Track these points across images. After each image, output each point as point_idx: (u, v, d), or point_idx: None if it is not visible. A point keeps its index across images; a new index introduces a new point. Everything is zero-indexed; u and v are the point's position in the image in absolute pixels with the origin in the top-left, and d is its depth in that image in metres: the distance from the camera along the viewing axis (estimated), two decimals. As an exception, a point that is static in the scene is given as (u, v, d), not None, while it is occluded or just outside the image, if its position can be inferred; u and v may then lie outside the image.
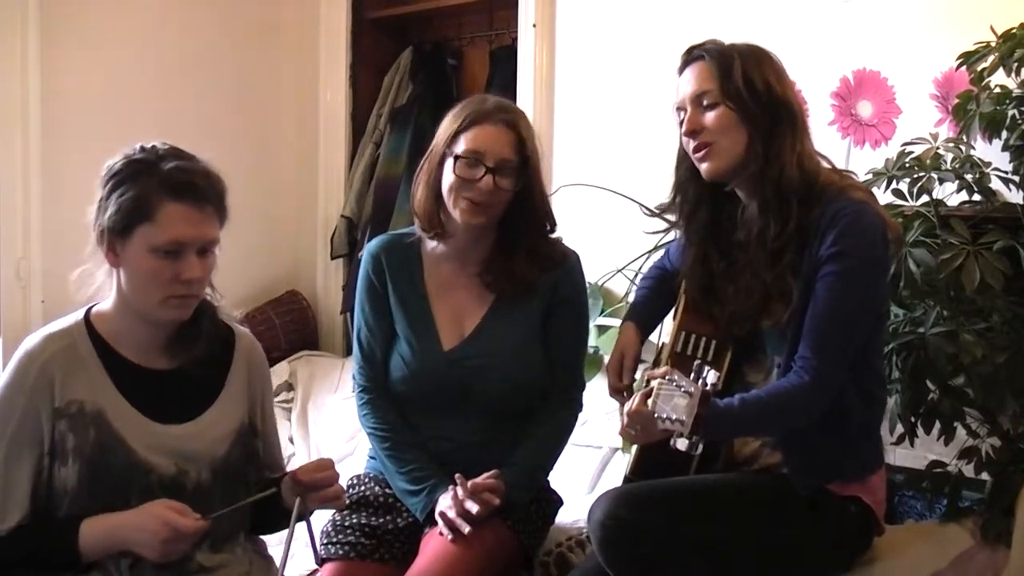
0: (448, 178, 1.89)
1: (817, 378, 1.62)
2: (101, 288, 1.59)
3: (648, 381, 1.96)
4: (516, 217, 1.94)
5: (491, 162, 1.87)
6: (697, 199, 1.80)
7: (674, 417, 1.47)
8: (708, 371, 1.51)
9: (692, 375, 1.51)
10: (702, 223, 1.81)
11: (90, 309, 1.61)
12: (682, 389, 1.48)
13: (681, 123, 1.73)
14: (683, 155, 1.78)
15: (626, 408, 1.60)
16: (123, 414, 1.55)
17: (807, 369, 1.62)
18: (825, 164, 1.76)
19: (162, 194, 1.49)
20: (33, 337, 1.56)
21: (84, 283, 1.59)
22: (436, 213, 1.94)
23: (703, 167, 1.72)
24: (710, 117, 1.69)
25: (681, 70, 1.75)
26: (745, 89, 1.66)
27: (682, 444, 1.48)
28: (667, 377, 1.51)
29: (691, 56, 1.74)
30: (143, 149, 1.55)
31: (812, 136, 1.75)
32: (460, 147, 1.88)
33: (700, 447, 1.50)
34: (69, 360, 1.54)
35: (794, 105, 1.70)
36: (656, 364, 2.03)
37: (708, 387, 1.49)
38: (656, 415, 1.49)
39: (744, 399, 1.61)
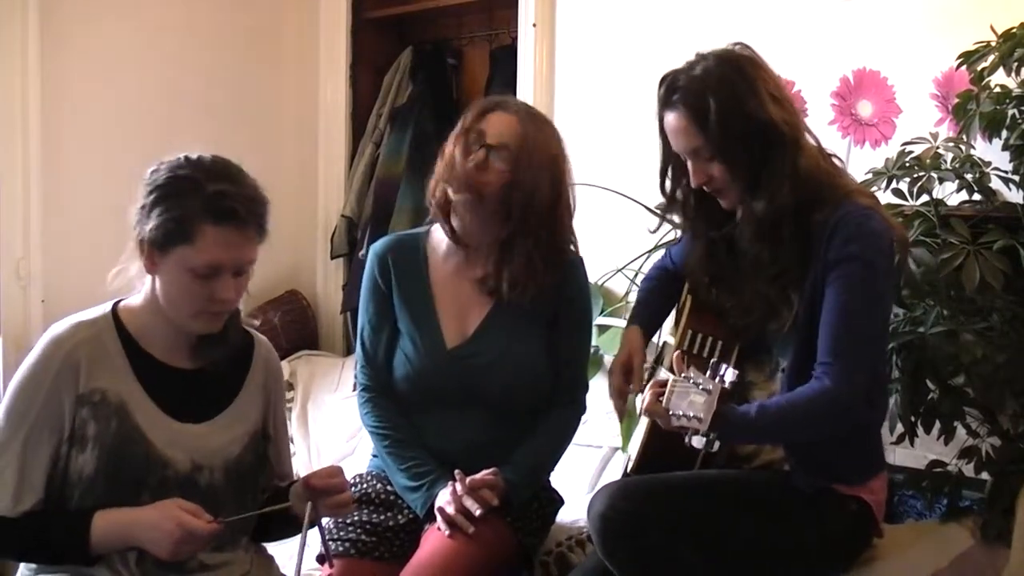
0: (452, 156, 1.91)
1: (839, 382, 1.59)
2: (132, 284, 1.60)
3: (656, 367, 1.97)
4: (519, 216, 1.91)
5: (492, 140, 1.89)
6: (700, 195, 1.79)
7: (691, 414, 1.45)
8: (726, 369, 1.48)
9: (708, 372, 1.49)
10: (708, 217, 1.80)
11: (118, 303, 1.62)
12: (700, 386, 1.46)
13: (683, 160, 1.74)
14: (677, 159, 1.78)
15: (640, 406, 1.60)
16: (144, 408, 1.56)
17: (828, 374, 1.60)
18: (836, 162, 1.75)
19: (204, 218, 1.48)
20: (61, 323, 1.57)
21: (118, 278, 1.60)
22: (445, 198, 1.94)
23: (723, 203, 1.73)
24: (714, 169, 1.68)
25: (660, 107, 1.73)
26: (726, 136, 1.64)
27: (698, 442, 1.46)
28: (683, 374, 1.50)
29: (667, 101, 1.70)
30: (188, 162, 1.54)
31: (813, 135, 1.73)
32: (467, 125, 1.92)
33: (716, 445, 1.48)
34: (95, 349, 1.55)
35: (779, 124, 1.64)
36: (658, 363, 2.03)
37: (727, 384, 1.47)
38: (671, 412, 1.48)
39: (763, 406, 1.59)
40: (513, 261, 1.93)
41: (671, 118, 1.70)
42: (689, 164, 1.72)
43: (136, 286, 1.60)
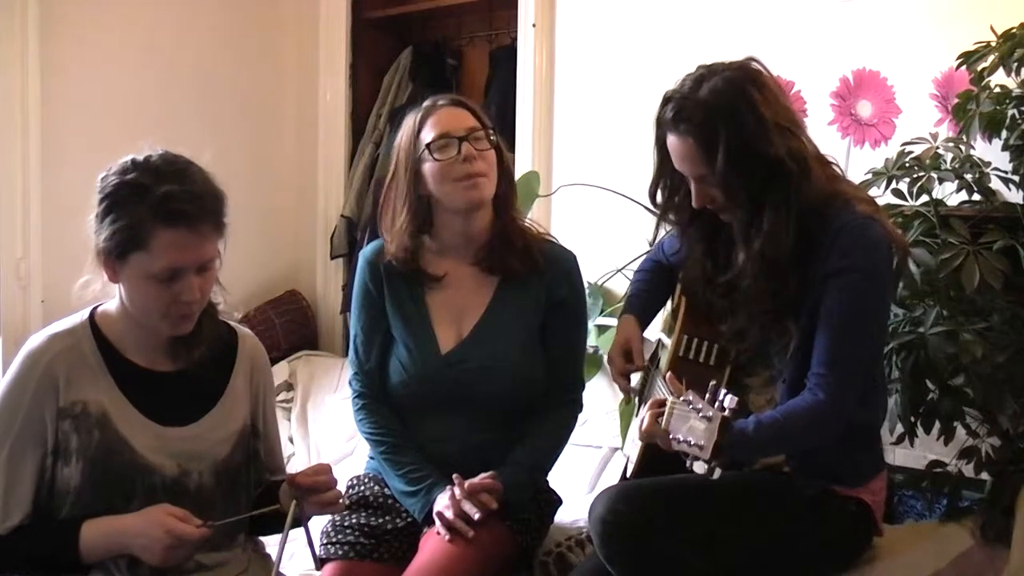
0: (432, 174, 1.90)
1: (833, 394, 1.59)
2: (102, 295, 1.59)
3: (650, 367, 1.96)
4: (502, 187, 1.97)
5: (460, 133, 1.90)
6: (695, 211, 1.77)
7: (692, 441, 1.44)
8: (726, 395, 1.45)
9: (708, 396, 1.47)
10: (703, 227, 1.79)
11: (95, 309, 1.60)
12: (700, 413, 1.44)
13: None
14: (673, 175, 1.76)
15: (638, 426, 1.59)
16: (127, 416, 1.55)
17: (822, 386, 1.60)
18: (836, 169, 1.74)
19: (155, 222, 1.46)
20: (37, 336, 1.56)
21: (85, 291, 1.58)
22: (425, 220, 1.95)
23: (723, 217, 1.72)
24: (716, 192, 1.67)
25: (664, 128, 1.70)
26: (732, 170, 1.61)
27: (699, 468, 1.44)
28: (682, 398, 1.48)
29: (673, 126, 1.67)
30: (135, 165, 1.51)
31: (812, 143, 1.70)
32: (426, 140, 1.91)
33: (718, 472, 1.46)
34: (73, 360, 1.54)
35: (785, 160, 1.61)
36: (654, 363, 2.03)
37: (726, 412, 1.44)
38: (671, 435, 1.47)
39: (759, 422, 1.59)
40: (504, 232, 1.96)
41: (676, 143, 1.68)
42: (692, 185, 1.70)
43: (108, 295, 1.58)
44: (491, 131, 1.95)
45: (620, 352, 1.92)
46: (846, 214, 1.63)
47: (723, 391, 1.46)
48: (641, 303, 2.01)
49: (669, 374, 1.64)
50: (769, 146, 1.61)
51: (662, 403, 1.52)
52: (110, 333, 1.58)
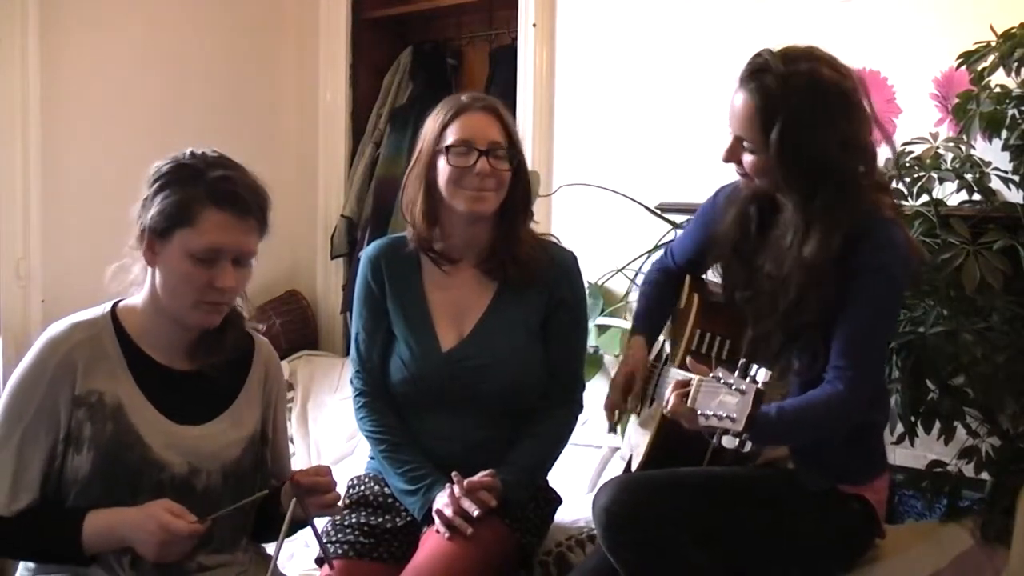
0: (444, 173, 1.91)
1: (852, 387, 1.61)
2: (134, 283, 1.60)
3: (656, 365, 1.95)
4: (513, 200, 1.97)
5: (482, 145, 1.90)
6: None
7: (723, 414, 1.44)
8: (758, 369, 1.45)
9: (737, 372, 1.47)
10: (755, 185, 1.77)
11: (117, 303, 1.62)
12: (732, 386, 1.45)
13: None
14: None
15: (665, 408, 1.59)
16: (141, 410, 1.56)
17: (841, 378, 1.61)
18: (888, 198, 1.74)
19: (205, 201, 1.51)
20: (59, 324, 1.58)
21: (118, 277, 1.61)
22: (434, 210, 1.95)
23: (741, 183, 1.72)
24: (748, 159, 1.66)
25: (740, 80, 1.67)
26: (781, 154, 1.61)
27: (728, 442, 1.44)
28: (711, 374, 1.49)
29: (749, 80, 1.64)
30: (193, 155, 1.57)
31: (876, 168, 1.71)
32: (448, 140, 1.91)
33: (748, 445, 1.46)
34: (93, 350, 1.55)
35: (842, 168, 1.62)
36: (658, 361, 2.03)
37: (760, 385, 1.44)
38: (699, 412, 1.47)
39: (781, 407, 1.60)
40: (507, 241, 1.97)
41: (740, 95, 1.65)
42: (729, 143, 1.69)
43: (138, 287, 1.60)
44: (515, 150, 1.95)
45: (622, 384, 1.92)
46: (872, 216, 1.64)
47: (755, 366, 1.46)
48: (650, 321, 2.02)
49: (690, 359, 1.65)
50: (825, 145, 1.60)
51: (686, 383, 1.53)
52: (131, 327, 1.59)
